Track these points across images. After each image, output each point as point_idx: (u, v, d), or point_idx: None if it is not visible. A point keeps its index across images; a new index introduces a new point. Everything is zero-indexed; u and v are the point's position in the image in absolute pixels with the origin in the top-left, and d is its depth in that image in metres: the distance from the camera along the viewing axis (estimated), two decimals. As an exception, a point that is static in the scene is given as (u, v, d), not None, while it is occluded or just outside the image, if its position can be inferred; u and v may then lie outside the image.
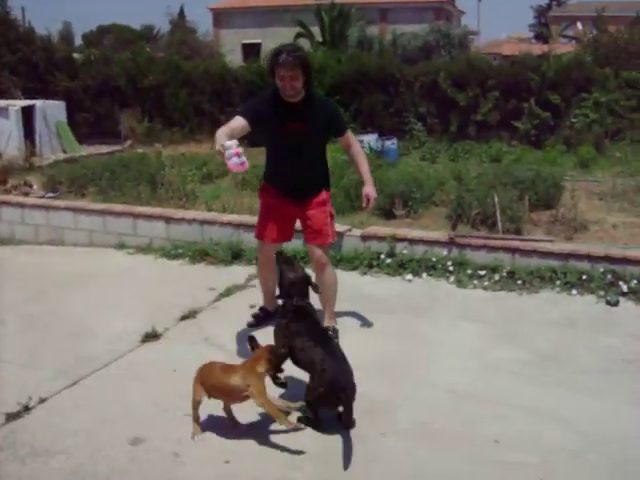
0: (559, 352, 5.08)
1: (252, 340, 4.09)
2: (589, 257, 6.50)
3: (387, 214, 8.79)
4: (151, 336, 5.33)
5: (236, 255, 7.13)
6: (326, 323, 5.22)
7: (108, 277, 7.15)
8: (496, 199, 8.12)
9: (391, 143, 14.43)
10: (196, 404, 4.04)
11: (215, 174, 12.67)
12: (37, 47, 20.90)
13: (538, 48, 22.53)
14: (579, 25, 39.34)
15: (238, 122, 4.90)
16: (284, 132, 4.97)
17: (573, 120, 16.46)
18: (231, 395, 3.99)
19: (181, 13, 43.10)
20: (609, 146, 15.51)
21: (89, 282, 6.96)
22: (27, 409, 4.29)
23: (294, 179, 5.13)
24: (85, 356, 5.05)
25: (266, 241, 5.30)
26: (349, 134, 5.31)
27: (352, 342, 5.11)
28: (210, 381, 4.00)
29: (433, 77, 17.32)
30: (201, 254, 7.42)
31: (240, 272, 6.91)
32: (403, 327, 5.51)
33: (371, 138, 14.66)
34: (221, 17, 43.54)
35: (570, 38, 38.74)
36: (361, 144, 13.70)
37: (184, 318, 5.73)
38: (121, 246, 8.16)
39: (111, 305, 6.19)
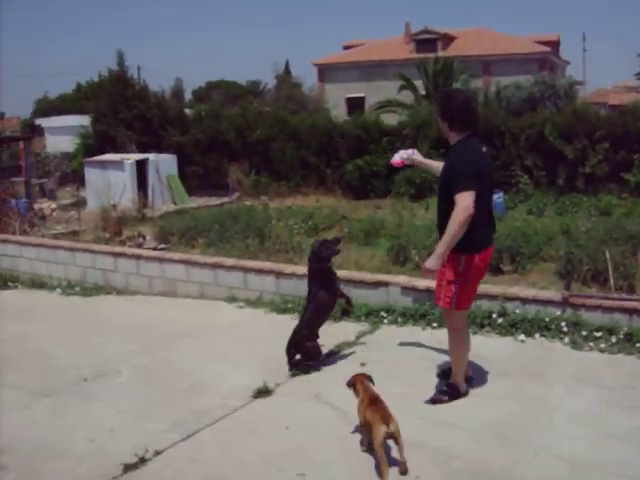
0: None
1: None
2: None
3: (494, 269, 8.67)
4: (263, 392, 5.37)
5: (345, 311, 7.17)
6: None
7: (220, 330, 7.29)
8: (608, 255, 7.90)
9: (497, 197, 14.29)
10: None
11: (321, 227, 12.87)
12: (151, 104, 21.91)
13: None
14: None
15: None
16: None
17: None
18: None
19: (287, 68, 44.30)
20: None
21: (202, 334, 7.12)
22: (143, 461, 4.40)
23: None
24: (199, 409, 5.14)
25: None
26: (458, 193, 4.77)
27: (466, 405, 5.06)
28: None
29: (539, 129, 17.16)
30: None
31: (349, 329, 6.90)
32: (517, 390, 5.35)
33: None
34: (325, 72, 44.36)
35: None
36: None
37: (295, 375, 5.76)
38: (231, 299, 8.29)
39: (223, 358, 6.30)
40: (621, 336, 6.12)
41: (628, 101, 18.98)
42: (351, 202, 17.69)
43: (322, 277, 6.18)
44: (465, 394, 5.18)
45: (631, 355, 5.92)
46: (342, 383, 5.10)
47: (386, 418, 4.13)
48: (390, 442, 4.15)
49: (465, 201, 4.70)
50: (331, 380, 5.56)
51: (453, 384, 5.20)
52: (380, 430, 4.05)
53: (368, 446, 4.32)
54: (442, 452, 4.33)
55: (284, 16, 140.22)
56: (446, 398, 5.13)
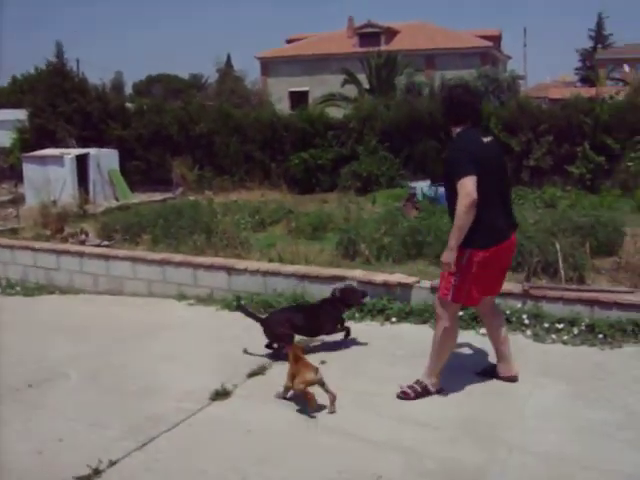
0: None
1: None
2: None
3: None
4: (221, 394, 5.14)
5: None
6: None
7: (171, 329, 7.04)
8: (558, 246, 7.90)
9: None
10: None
11: (268, 222, 12.67)
12: (91, 97, 21.39)
13: (585, 91, 22.35)
14: (626, 67, 39.15)
15: None
16: None
17: (629, 164, 16.18)
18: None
19: (228, 62, 43.87)
20: (669, 191, 15.18)
21: (152, 334, 6.86)
22: (97, 472, 4.11)
23: None
24: (154, 414, 4.89)
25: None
26: (458, 181, 4.67)
27: (436, 402, 4.94)
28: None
29: (484, 122, 17.18)
30: (264, 306, 7.25)
31: None
32: (485, 385, 5.23)
33: (424, 185, 14.54)
34: (268, 66, 44.18)
35: (617, 80, 38.49)
36: (413, 190, 13.94)
37: (253, 375, 5.56)
38: (181, 296, 8.07)
39: (176, 359, 6.05)
40: (583, 327, 6.10)
41: (571, 95, 19.15)
42: (297, 196, 17.49)
43: (336, 316, 6.24)
44: (438, 392, 5.03)
45: (594, 347, 5.89)
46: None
47: (308, 367, 4.82)
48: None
49: (466, 187, 4.60)
50: None
51: (422, 382, 5.05)
52: (305, 376, 4.78)
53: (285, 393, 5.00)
54: (414, 452, 4.19)
55: (226, 9, 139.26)
56: (412, 395, 4.99)
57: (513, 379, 5.21)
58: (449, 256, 4.74)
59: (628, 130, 16.27)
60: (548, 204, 13.99)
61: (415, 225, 9.80)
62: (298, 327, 6.05)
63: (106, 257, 8.96)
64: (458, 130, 4.95)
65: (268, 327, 6.02)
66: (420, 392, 5.01)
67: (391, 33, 42.65)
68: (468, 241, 4.73)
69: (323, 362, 5.58)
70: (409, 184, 14.81)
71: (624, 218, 11.06)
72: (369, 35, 41.97)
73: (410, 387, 5.04)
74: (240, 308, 6.61)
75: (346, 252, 9.33)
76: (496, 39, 44.39)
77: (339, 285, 6.68)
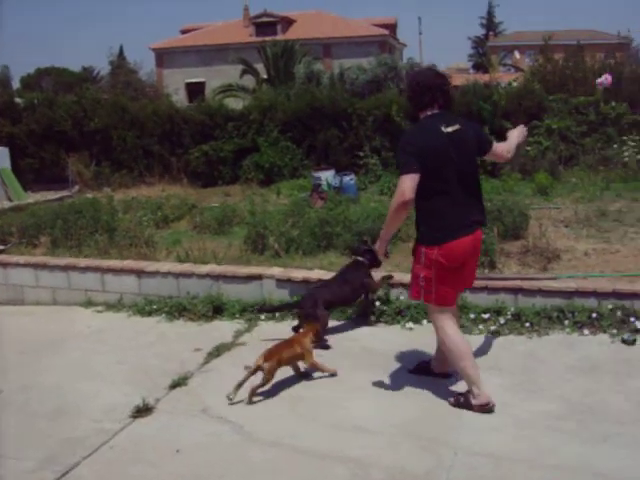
0: (590, 401, 4.75)
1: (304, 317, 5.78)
2: (596, 294, 6.27)
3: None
4: (142, 410, 4.81)
5: (218, 309, 6.73)
6: None
7: (81, 340, 6.63)
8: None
9: (350, 179, 14.19)
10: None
11: (171, 218, 12.32)
12: (-23, 92, 20.31)
13: (479, 77, 22.75)
14: (517, 54, 40.30)
15: None
16: None
17: (527, 148, 16.53)
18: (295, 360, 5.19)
19: (121, 54, 42.71)
20: (564, 172, 15.58)
21: (60, 347, 6.42)
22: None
23: None
24: (71, 438, 4.51)
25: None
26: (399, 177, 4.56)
27: (373, 405, 4.79)
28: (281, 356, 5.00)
29: (385, 110, 17.23)
30: (178, 309, 6.96)
31: (225, 328, 6.47)
32: (420, 383, 5.11)
33: (328, 174, 14.41)
34: (163, 57, 43.27)
35: (509, 66, 39.57)
36: (318, 180, 13.82)
37: (174, 386, 5.24)
38: (88, 303, 7.67)
39: (89, 373, 5.67)
40: (509, 316, 6.10)
41: (466, 81, 19.43)
42: (199, 190, 17.11)
43: (363, 278, 6.21)
44: (483, 406, 4.62)
45: (522, 335, 5.89)
46: (229, 391, 4.73)
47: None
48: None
49: (400, 185, 4.43)
50: (217, 389, 5.09)
51: (466, 394, 4.70)
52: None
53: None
54: (359, 462, 4.01)
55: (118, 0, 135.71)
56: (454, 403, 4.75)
57: (447, 375, 5.07)
58: (379, 246, 4.84)
59: (526, 115, 16.58)
60: (452, 189, 14.10)
61: (323, 216, 9.69)
62: (334, 302, 6.00)
63: (3, 265, 8.42)
64: (421, 118, 4.71)
65: (307, 314, 5.83)
66: (462, 403, 4.71)
67: (287, 22, 42.51)
68: (421, 238, 4.64)
69: (248, 367, 5.30)
70: (313, 174, 14.67)
71: (526, 201, 11.28)
72: (265, 24, 41.71)
73: (457, 395, 4.80)
74: (262, 310, 6.49)
75: (255, 246, 9.11)
76: (392, 27, 44.88)
77: (359, 247, 6.64)
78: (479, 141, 4.82)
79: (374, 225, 8.89)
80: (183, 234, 10.65)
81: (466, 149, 4.65)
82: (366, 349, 5.72)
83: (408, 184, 4.39)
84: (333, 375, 5.25)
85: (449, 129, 4.57)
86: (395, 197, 4.48)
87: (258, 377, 4.92)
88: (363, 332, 6.26)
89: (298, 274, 6.93)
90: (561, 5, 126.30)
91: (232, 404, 4.81)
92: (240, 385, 4.91)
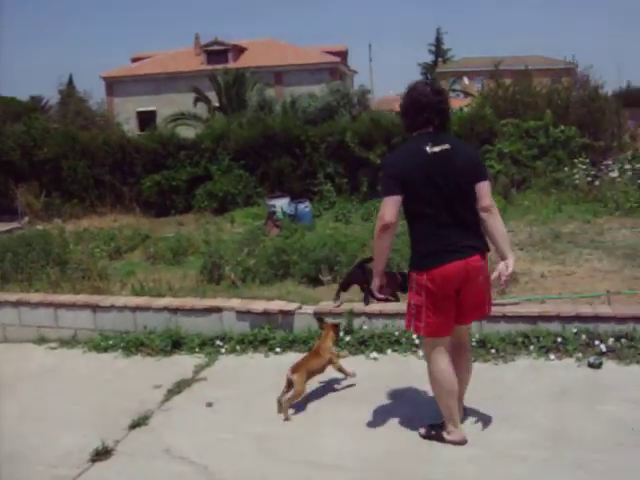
0: (563, 428, 4.69)
1: (320, 320, 5.77)
2: (559, 318, 6.27)
3: (313, 281, 8.43)
4: (102, 453, 4.58)
5: (176, 343, 6.56)
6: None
7: (33, 379, 6.36)
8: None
9: (304, 206, 14.16)
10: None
11: (124, 249, 12.13)
12: None
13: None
14: (466, 80, 40.91)
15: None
16: None
17: (480, 172, 16.67)
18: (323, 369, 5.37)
19: (70, 82, 42.17)
20: (517, 195, 15.78)
21: (11, 387, 6.14)
22: None
23: None
24: (26, 485, 4.26)
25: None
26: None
27: (338, 441, 4.65)
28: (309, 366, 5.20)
29: (339, 137, 17.32)
30: (136, 344, 6.73)
31: (185, 363, 6.28)
32: (386, 415, 5.00)
33: (283, 202, 14.35)
34: (114, 85, 42.93)
35: (458, 92, 40.10)
36: (272, 208, 13.74)
37: (135, 426, 5.03)
38: (41, 340, 7.38)
39: (44, 415, 5.40)
40: (474, 343, 6.01)
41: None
42: (152, 220, 16.94)
43: None
44: (460, 442, 4.51)
45: (488, 362, 5.83)
46: (192, 431, 4.56)
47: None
48: None
49: (381, 209, 4.31)
50: (179, 428, 4.93)
51: (438, 427, 4.60)
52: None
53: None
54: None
55: (67, 28, 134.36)
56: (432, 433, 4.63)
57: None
58: (374, 282, 4.48)
59: (478, 140, 16.79)
60: (406, 215, 14.15)
61: (279, 244, 9.61)
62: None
63: (-51, 302, 8.08)
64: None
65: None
66: (434, 435, 4.59)
67: (238, 50, 42.60)
68: (411, 264, 4.47)
69: (209, 404, 5.22)
70: (267, 202, 14.61)
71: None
72: (216, 52, 41.72)
73: (429, 427, 4.68)
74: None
75: (211, 276, 8.99)
76: (343, 54, 45.26)
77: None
78: (473, 166, 4.44)
79: (331, 253, 8.83)
80: (137, 265, 10.49)
81: (454, 170, 4.33)
82: (331, 381, 5.61)
83: (387, 207, 4.27)
84: (352, 377, 5.48)
85: (435, 149, 4.32)
86: (377, 222, 4.36)
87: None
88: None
89: (258, 306, 6.80)
90: (507, 32, 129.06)
91: (196, 443, 4.64)
92: (280, 403, 5.07)
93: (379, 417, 4.98)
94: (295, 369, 5.10)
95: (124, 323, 7.16)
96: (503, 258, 4.46)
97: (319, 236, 10.62)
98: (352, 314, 6.54)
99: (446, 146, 4.34)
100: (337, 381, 5.60)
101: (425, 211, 4.30)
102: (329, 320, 5.82)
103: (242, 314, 6.75)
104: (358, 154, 16.96)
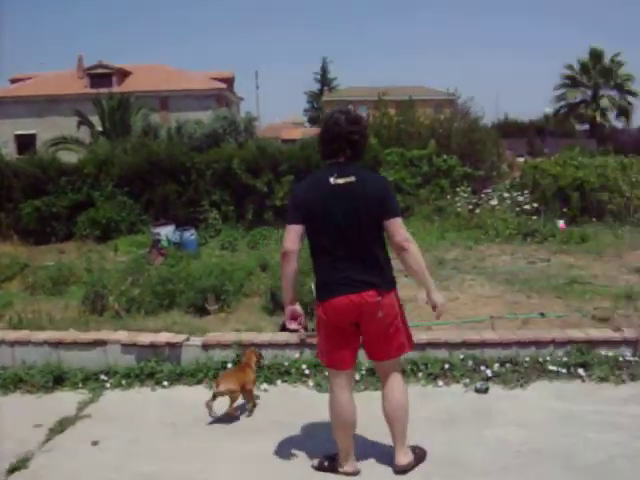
0: (454, 454, 4.76)
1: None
2: (447, 344, 6.41)
3: (199, 310, 8.33)
4: None
5: (58, 379, 6.30)
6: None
7: None
8: (313, 286, 7.96)
9: (190, 234, 13.98)
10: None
11: (1, 278, 11.65)
12: None
13: (315, 132, 23.32)
14: (351, 108, 41.69)
15: None
16: None
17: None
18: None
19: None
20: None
21: None
22: None
23: None
24: None
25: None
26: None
27: (227, 478, 4.57)
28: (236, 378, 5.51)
29: (225, 164, 17.24)
30: (14, 381, 6.35)
31: (67, 400, 5.98)
32: (280, 448, 4.94)
33: (168, 230, 14.12)
34: (-9, 106, 41.53)
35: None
36: (157, 236, 13.50)
37: (13, 470, 4.70)
38: None
39: None
40: (364, 371, 6.07)
41: (303, 135, 19.84)
42: (31, 248, 16.28)
43: None
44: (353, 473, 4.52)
45: (377, 390, 5.82)
46: (76, 472, 4.36)
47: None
48: None
49: (284, 237, 4.33)
50: (61, 470, 4.67)
51: (332, 458, 4.60)
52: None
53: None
54: None
55: None
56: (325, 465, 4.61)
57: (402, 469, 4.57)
58: (285, 311, 4.52)
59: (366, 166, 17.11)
60: (294, 243, 14.21)
61: (164, 273, 9.46)
62: None
63: None
64: None
65: None
66: (327, 467, 4.57)
67: (123, 74, 42.01)
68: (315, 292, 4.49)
69: (95, 443, 5.01)
70: (152, 230, 14.33)
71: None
72: (100, 76, 41.02)
73: (322, 458, 4.64)
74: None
75: (93, 307, 8.72)
76: (229, 81, 45.31)
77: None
78: (379, 202, 4.30)
79: (217, 281, 8.76)
80: (15, 296, 10.05)
81: (355, 204, 4.25)
82: (223, 414, 5.52)
83: (288, 235, 4.30)
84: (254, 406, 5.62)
85: (339, 181, 4.27)
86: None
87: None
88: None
89: (145, 338, 6.62)
90: (391, 63, 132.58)
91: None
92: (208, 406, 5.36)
93: (273, 450, 4.91)
94: (220, 381, 5.44)
95: (1, 358, 6.82)
96: (426, 294, 4.53)
97: (205, 264, 10.51)
98: (240, 345, 6.48)
99: (351, 178, 4.26)
100: (229, 414, 5.54)
101: (323, 243, 4.30)
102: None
103: (128, 347, 6.55)
104: (245, 181, 16.94)
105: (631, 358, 6.45)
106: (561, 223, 8.24)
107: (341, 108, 4.58)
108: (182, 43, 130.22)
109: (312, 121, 61.78)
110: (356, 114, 4.47)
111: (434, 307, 4.52)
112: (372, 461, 4.70)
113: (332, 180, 4.28)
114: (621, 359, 6.42)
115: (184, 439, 5.13)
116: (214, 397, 5.36)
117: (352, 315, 4.33)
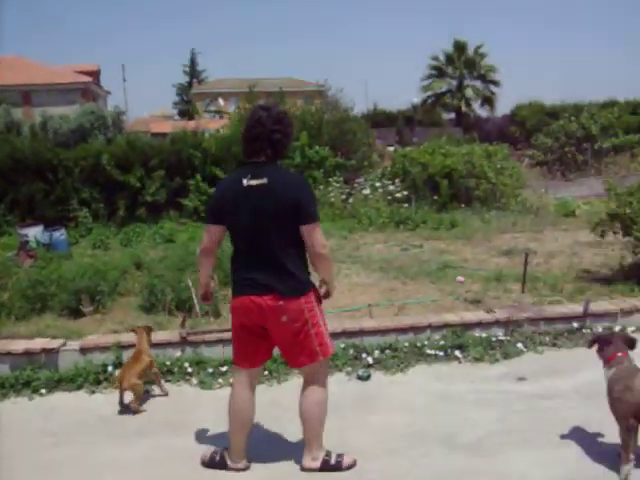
0: (341, 441, 4.82)
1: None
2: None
3: (74, 313, 8.10)
4: None
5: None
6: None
7: None
8: (190, 282, 7.91)
9: (60, 234, 13.49)
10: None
11: None
12: None
13: (185, 124, 23.09)
14: (221, 101, 41.40)
15: None
16: None
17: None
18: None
19: None
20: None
21: None
22: None
23: None
24: None
25: None
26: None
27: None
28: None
29: (94, 160, 16.76)
30: None
31: None
32: (166, 447, 4.86)
33: (36, 230, 13.57)
34: None
35: (214, 113, 40.46)
36: (25, 238, 12.98)
37: None
38: None
39: None
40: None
41: (173, 129, 19.58)
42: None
43: None
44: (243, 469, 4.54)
45: (262, 384, 5.85)
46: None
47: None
48: None
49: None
50: None
51: (219, 453, 4.62)
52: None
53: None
54: None
55: None
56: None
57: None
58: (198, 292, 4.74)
59: (236, 161, 17.02)
60: (167, 239, 14.03)
61: (35, 276, 9.12)
62: None
63: None
64: None
65: None
66: (217, 463, 4.58)
67: (-19, 67, 40.04)
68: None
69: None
70: (19, 231, 13.74)
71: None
72: (-44, 69, 38.97)
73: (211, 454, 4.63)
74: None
75: None
76: (95, 74, 44.00)
77: None
78: (292, 206, 4.18)
79: (91, 282, 8.54)
80: None
81: (265, 206, 4.18)
82: (104, 418, 5.38)
83: (205, 234, 4.44)
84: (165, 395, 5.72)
85: (252, 182, 4.18)
86: None
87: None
88: (97, 399, 5.88)
89: (18, 346, 6.36)
90: (261, 54, 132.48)
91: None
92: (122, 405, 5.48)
93: (159, 452, 4.84)
94: (122, 379, 5.42)
95: None
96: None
97: (77, 265, 10.21)
98: (120, 347, 6.33)
99: (263, 180, 4.18)
100: (112, 417, 5.40)
101: (236, 243, 4.35)
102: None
103: (1, 356, 6.29)
104: (115, 178, 16.54)
105: (503, 338, 6.77)
106: (459, 278, 8.70)
107: (264, 104, 4.45)
108: (43, 35, 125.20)
109: (182, 114, 61.01)
110: (279, 111, 4.33)
111: (326, 294, 4.55)
112: (260, 454, 4.72)
113: (245, 181, 4.21)
114: (494, 339, 6.72)
115: (66, 448, 4.96)
116: (121, 396, 5.48)
117: (255, 316, 4.31)
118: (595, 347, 4.56)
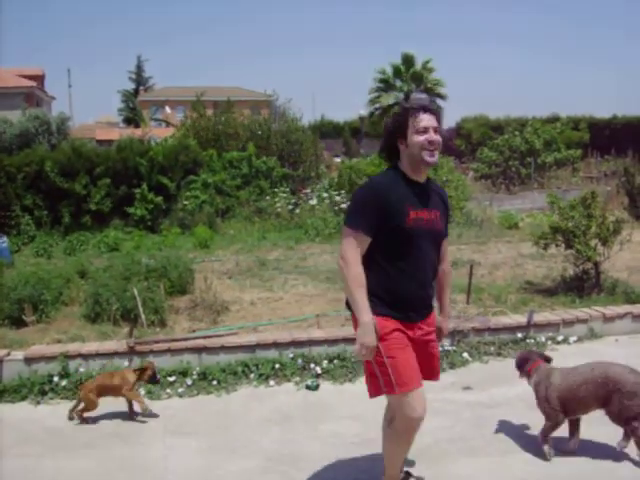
0: (290, 451, 4.82)
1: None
2: (276, 344, 6.50)
3: (16, 322, 7.94)
4: None
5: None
6: None
7: None
8: (136, 292, 7.83)
9: (1, 242, 13.22)
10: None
11: None
12: None
13: (131, 132, 22.89)
14: (168, 109, 41.11)
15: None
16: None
17: (185, 202, 16.90)
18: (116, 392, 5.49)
19: None
20: (222, 224, 16.16)
21: None
22: None
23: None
24: None
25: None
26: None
27: None
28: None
29: (37, 167, 16.50)
30: None
31: None
32: (116, 462, 4.77)
33: (-19, 238, 13.29)
34: None
35: (160, 121, 40.19)
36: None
37: None
38: None
39: None
40: (195, 376, 6.06)
41: (120, 136, 19.40)
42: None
43: None
44: None
45: (210, 394, 5.85)
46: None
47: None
48: None
49: None
50: None
51: None
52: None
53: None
54: None
55: None
56: None
57: None
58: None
59: (183, 170, 16.98)
60: (112, 248, 13.88)
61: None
62: None
63: None
64: None
65: None
66: None
67: None
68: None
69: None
70: (-38, 240, 13.43)
71: (189, 255, 11.47)
72: None
73: None
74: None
75: None
76: (39, 79, 43.20)
77: None
78: None
79: (34, 291, 8.39)
80: None
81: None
82: (50, 430, 5.28)
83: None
84: (150, 415, 5.47)
85: None
86: None
87: None
88: (43, 411, 5.75)
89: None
90: (207, 64, 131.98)
91: None
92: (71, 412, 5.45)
93: (108, 462, 4.78)
94: (83, 387, 5.48)
95: None
96: None
97: (20, 273, 9.99)
98: (67, 357, 6.22)
99: None
100: (55, 430, 5.31)
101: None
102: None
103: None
104: (59, 185, 16.31)
105: (449, 347, 6.83)
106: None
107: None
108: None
109: (127, 121, 60.35)
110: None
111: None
112: (208, 464, 4.67)
113: None
114: (440, 349, 6.76)
115: (11, 461, 4.84)
116: (78, 402, 5.49)
117: None
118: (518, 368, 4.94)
